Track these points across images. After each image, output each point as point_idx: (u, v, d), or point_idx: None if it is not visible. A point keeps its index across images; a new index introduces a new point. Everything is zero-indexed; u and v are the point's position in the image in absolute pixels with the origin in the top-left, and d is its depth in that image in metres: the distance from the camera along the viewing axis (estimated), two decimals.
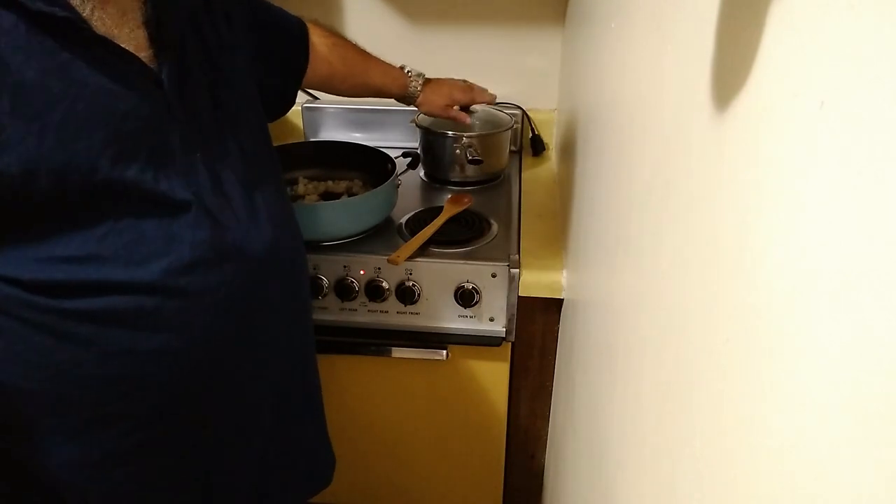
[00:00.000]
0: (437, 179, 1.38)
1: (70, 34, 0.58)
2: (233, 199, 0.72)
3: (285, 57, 0.96)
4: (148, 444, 0.73)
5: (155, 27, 0.66)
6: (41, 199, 0.60)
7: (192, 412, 0.74)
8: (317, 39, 1.00)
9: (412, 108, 1.19)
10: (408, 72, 1.15)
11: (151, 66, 0.65)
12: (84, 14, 0.60)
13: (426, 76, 1.16)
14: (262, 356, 0.79)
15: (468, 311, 1.10)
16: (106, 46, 0.61)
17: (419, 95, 1.16)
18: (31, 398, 0.66)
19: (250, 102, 0.81)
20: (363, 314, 1.13)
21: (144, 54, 0.65)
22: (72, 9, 0.58)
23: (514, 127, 1.43)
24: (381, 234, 1.15)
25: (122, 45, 0.62)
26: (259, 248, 0.73)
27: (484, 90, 1.24)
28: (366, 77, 1.09)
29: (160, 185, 0.65)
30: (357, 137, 1.53)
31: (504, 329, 1.11)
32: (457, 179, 1.36)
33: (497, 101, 1.48)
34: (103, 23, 0.62)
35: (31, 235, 0.62)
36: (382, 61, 1.12)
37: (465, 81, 1.23)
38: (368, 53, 1.10)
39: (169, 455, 0.75)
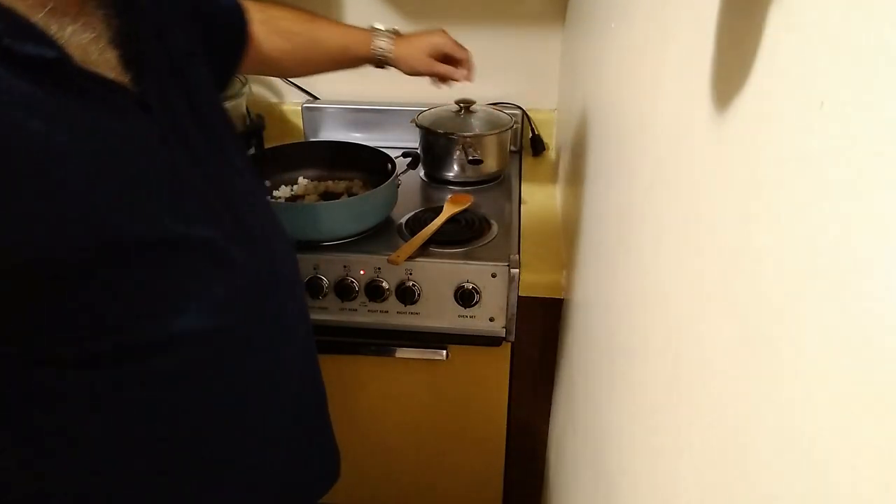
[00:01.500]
0: (437, 179, 1.38)
1: (55, 73, 0.49)
2: (242, 224, 0.67)
3: (219, 47, 0.81)
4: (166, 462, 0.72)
5: (125, 46, 0.57)
6: (64, 266, 0.51)
7: (211, 435, 0.73)
8: (253, 24, 0.86)
9: (397, 73, 1.01)
10: (374, 29, 0.97)
11: (134, 90, 0.56)
12: (65, 38, 0.51)
13: (400, 31, 0.98)
14: (277, 363, 0.79)
15: (468, 311, 1.10)
16: (93, 80, 0.52)
17: (393, 52, 0.97)
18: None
19: (222, 110, 0.73)
20: (363, 314, 1.13)
21: (122, 79, 0.56)
22: (58, 47, 0.49)
23: (514, 127, 1.43)
24: (381, 234, 1.15)
25: (102, 73, 0.54)
26: (276, 268, 0.71)
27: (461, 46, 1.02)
28: (317, 44, 0.93)
29: (179, 227, 0.57)
30: (357, 137, 1.53)
31: (504, 329, 1.11)
32: (457, 179, 1.36)
33: (497, 101, 1.49)
34: (82, 49, 0.53)
35: (60, 305, 0.53)
36: (337, 22, 0.96)
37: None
38: (318, 16, 0.94)
39: (180, 468, 0.74)
